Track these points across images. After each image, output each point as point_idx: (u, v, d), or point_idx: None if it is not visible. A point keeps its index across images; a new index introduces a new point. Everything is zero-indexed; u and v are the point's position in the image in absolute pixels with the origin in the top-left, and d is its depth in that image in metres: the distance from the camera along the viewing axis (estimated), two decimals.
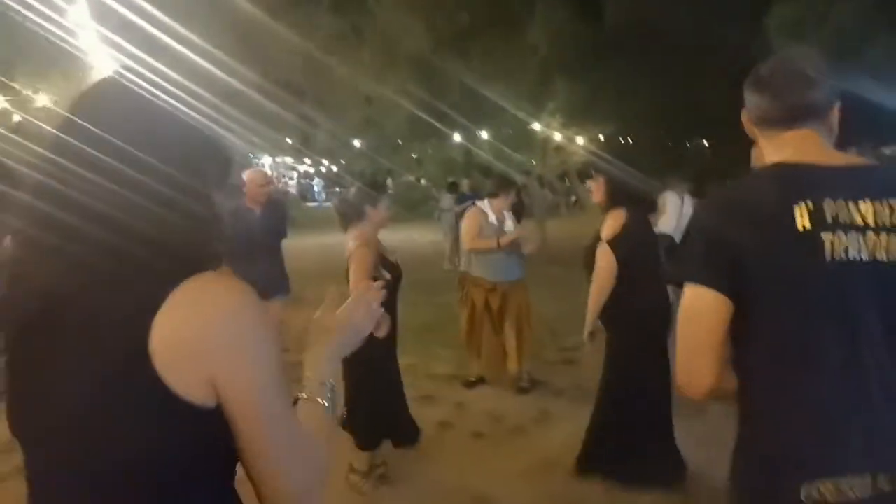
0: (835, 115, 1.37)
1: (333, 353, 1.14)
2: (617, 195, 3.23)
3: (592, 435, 3.38)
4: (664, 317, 3.21)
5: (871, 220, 1.23)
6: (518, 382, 4.81)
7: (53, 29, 8.69)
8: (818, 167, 1.29)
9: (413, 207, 23.83)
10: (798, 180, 1.28)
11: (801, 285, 1.24)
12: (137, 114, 0.97)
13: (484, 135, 19.22)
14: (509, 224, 4.74)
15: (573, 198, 26.66)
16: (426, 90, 14.76)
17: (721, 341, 1.26)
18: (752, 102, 1.40)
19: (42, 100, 12.07)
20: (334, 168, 29.02)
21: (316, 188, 38.00)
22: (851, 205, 1.24)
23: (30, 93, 11.93)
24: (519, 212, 5.31)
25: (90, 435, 0.86)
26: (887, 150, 23.82)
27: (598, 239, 3.21)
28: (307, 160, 30.72)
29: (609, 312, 3.21)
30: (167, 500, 0.90)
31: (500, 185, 4.88)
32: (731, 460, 1.34)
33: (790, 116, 1.34)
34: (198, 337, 0.86)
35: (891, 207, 1.24)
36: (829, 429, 1.23)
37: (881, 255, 1.22)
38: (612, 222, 3.16)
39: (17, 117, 12.36)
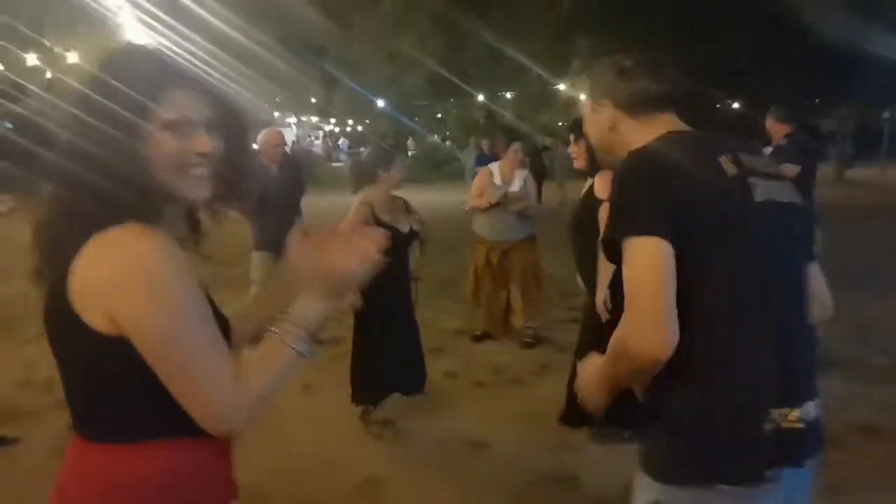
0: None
1: (321, 299, 1.15)
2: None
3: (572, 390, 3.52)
4: None
5: (765, 169, 1.37)
6: (522, 337, 4.98)
7: None
8: (707, 133, 1.44)
9: (436, 167, 23.88)
10: (705, 140, 1.40)
11: (742, 225, 1.29)
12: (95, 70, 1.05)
13: (507, 95, 19.12)
14: (515, 185, 4.84)
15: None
16: (446, 48, 14.70)
17: (673, 293, 1.21)
18: (628, 87, 1.45)
19: (72, 57, 12.31)
20: (359, 128, 29.10)
21: (341, 147, 38.12)
22: (750, 157, 1.37)
23: (60, 50, 12.17)
24: (540, 173, 5.39)
25: (57, 354, 1.11)
26: None
27: (587, 203, 3.17)
28: (332, 120, 30.81)
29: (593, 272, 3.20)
30: (104, 407, 1.10)
31: (504, 144, 4.99)
32: (674, 412, 1.31)
33: (663, 100, 1.46)
34: (99, 279, 1.00)
35: (765, 161, 1.41)
36: (783, 362, 1.29)
37: (779, 198, 1.36)
38: (604, 181, 3.11)
39: (48, 74, 12.64)
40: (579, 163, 3.36)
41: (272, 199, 4.78)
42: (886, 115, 22.62)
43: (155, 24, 10.62)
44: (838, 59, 12.00)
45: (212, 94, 1.12)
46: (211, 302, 1.14)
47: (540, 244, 5.12)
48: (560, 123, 19.81)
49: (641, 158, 1.35)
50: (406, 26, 14.38)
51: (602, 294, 3.11)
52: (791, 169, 4.51)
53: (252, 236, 4.94)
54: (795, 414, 1.29)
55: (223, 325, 1.16)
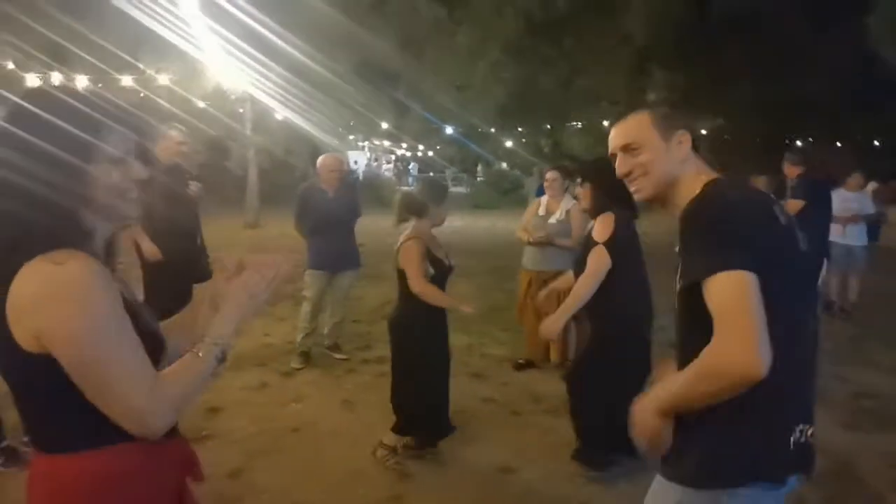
0: None
1: (230, 317, 1.34)
2: (603, 202, 3.33)
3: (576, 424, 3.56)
4: (648, 317, 3.41)
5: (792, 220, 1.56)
6: (564, 367, 4.98)
7: (171, 18, 9.57)
8: (748, 182, 1.62)
9: (503, 194, 24.00)
10: (756, 189, 1.60)
11: (793, 267, 1.46)
12: (30, 110, 1.18)
13: (577, 124, 19.08)
14: (555, 217, 4.89)
15: None
16: (517, 78, 14.84)
17: (764, 322, 1.33)
18: (692, 122, 1.63)
19: (163, 79, 13.22)
20: (430, 153, 29.62)
21: (411, 172, 38.87)
22: (780, 207, 1.54)
23: (152, 72, 13.08)
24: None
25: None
26: None
27: (587, 245, 3.32)
28: (403, 144, 31.50)
29: (601, 311, 3.32)
30: (42, 420, 1.24)
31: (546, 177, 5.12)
32: (715, 421, 1.41)
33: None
34: (26, 299, 1.13)
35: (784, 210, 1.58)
36: (809, 387, 1.52)
37: (804, 247, 1.54)
38: (604, 225, 3.26)
39: (141, 94, 13.60)
40: (584, 203, 3.47)
41: (326, 221, 5.03)
42: None
43: (236, 51, 11.29)
44: None
45: (132, 125, 1.28)
46: (146, 322, 1.29)
47: None
48: None
49: (718, 200, 1.47)
50: (478, 57, 14.63)
51: (562, 323, 3.33)
52: (795, 204, 5.51)
53: (307, 256, 5.18)
54: (811, 430, 1.48)
55: (157, 342, 1.31)
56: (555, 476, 3.43)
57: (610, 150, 1.70)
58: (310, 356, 5.19)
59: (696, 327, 1.40)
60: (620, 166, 1.67)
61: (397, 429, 3.55)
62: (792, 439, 1.43)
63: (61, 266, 1.12)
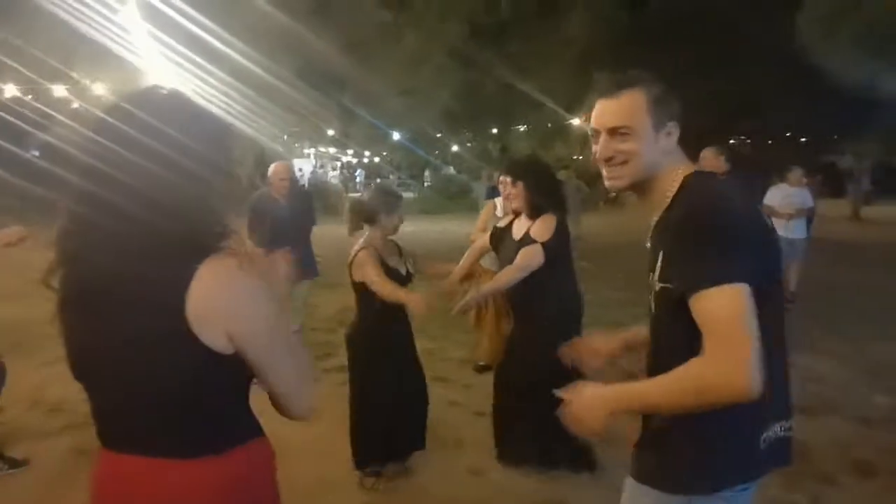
0: None
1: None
2: (538, 202, 3.34)
3: (504, 425, 3.60)
4: (578, 317, 3.47)
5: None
6: None
7: (108, 25, 9.24)
8: (725, 178, 1.64)
9: (451, 199, 24.10)
10: (742, 187, 1.62)
11: (776, 276, 1.48)
12: (172, 112, 1.20)
13: (522, 128, 19.36)
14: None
15: (612, 194, 26.44)
16: (463, 82, 14.97)
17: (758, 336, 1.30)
18: (680, 110, 1.50)
19: (99, 89, 12.73)
20: (376, 159, 29.53)
21: (358, 178, 38.62)
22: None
23: (87, 82, 12.58)
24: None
25: (139, 372, 1.19)
26: None
27: (524, 242, 3.30)
28: (350, 151, 31.31)
29: (533, 316, 3.36)
30: (193, 415, 1.23)
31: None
32: (690, 428, 1.39)
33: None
34: (217, 306, 1.16)
35: None
36: (782, 390, 1.48)
37: None
38: (546, 225, 3.28)
39: (75, 104, 13.06)
40: (516, 204, 3.43)
41: (282, 230, 4.94)
42: None
43: (175, 56, 10.99)
44: (857, 96, 12.10)
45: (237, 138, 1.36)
46: None
47: None
48: (575, 157, 19.98)
49: (722, 206, 1.39)
50: (424, 61, 14.67)
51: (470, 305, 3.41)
52: None
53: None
54: (788, 424, 1.49)
55: None
56: (525, 475, 3.46)
57: (593, 127, 1.55)
58: None
59: (678, 332, 1.37)
60: (602, 150, 1.51)
61: (357, 461, 3.44)
62: (765, 439, 1.43)
63: (243, 272, 1.19)
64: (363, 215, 3.41)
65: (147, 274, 1.15)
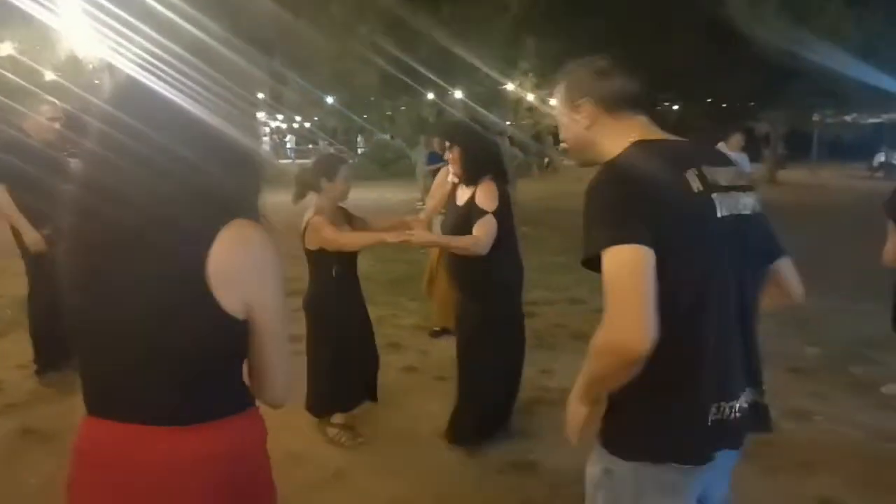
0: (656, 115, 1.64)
1: None
2: (476, 168, 3.23)
3: (463, 406, 3.48)
4: (520, 287, 3.47)
5: (727, 182, 1.48)
6: None
7: None
8: (675, 143, 1.54)
9: (386, 165, 23.84)
10: (676, 152, 1.50)
11: (702, 240, 1.40)
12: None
13: (457, 94, 19.22)
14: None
15: (546, 160, 26.85)
16: (396, 46, 14.67)
17: (653, 294, 1.29)
18: (608, 85, 1.54)
19: (5, 48, 11.82)
20: (307, 125, 28.73)
21: (288, 145, 37.57)
22: (715, 170, 1.48)
23: None
24: None
25: (154, 329, 1.15)
26: (847, 118, 24.40)
27: (467, 212, 3.20)
28: (279, 116, 30.33)
29: (486, 288, 3.27)
30: (199, 380, 1.20)
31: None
32: (637, 398, 1.42)
33: (639, 101, 1.57)
34: (239, 270, 1.15)
35: (731, 172, 1.51)
36: (724, 361, 1.44)
37: (741, 210, 1.47)
38: (489, 193, 3.15)
39: None
40: (455, 170, 3.33)
41: None
42: (816, 117, 23.80)
43: (94, 13, 10.27)
44: (773, 64, 12.61)
45: None
46: None
47: None
48: (507, 123, 20.06)
49: (618, 173, 1.44)
50: (357, 23, 14.29)
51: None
52: None
53: None
54: (735, 405, 1.46)
55: None
56: (494, 437, 3.51)
57: None
58: None
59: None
60: (561, 135, 1.70)
61: (313, 409, 3.54)
62: (710, 418, 1.42)
63: (265, 238, 1.19)
64: (306, 183, 3.39)
65: (169, 229, 1.12)
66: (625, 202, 1.36)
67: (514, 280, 3.39)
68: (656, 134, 1.55)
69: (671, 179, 1.41)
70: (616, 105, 1.55)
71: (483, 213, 3.12)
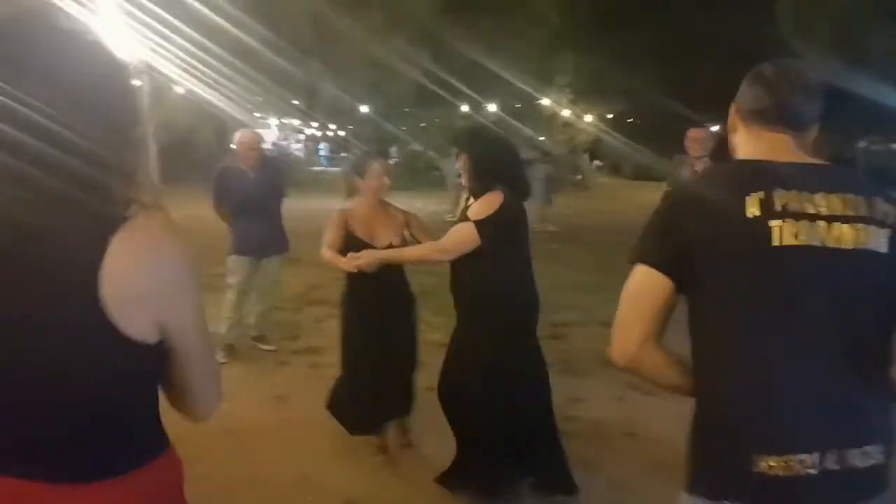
0: (814, 132, 1.45)
1: None
2: (485, 177, 2.87)
3: (463, 452, 3.04)
4: (527, 318, 2.97)
5: (823, 210, 1.27)
6: None
7: None
8: (779, 164, 1.35)
9: (417, 175, 23.77)
10: (756, 174, 1.34)
11: (746, 269, 1.28)
12: (65, 57, 0.93)
13: (492, 107, 19.12)
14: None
15: (579, 176, 26.54)
16: (432, 57, 14.64)
17: (653, 317, 1.33)
18: (747, 94, 1.46)
19: None
20: (341, 133, 28.89)
21: (322, 152, 37.85)
22: (804, 195, 1.28)
23: None
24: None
25: (45, 372, 0.92)
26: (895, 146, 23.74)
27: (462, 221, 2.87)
28: (314, 123, 30.55)
29: (469, 307, 2.91)
30: (104, 428, 0.98)
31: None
32: (690, 436, 1.39)
33: (776, 116, 1.40)
34: (146, 285, 0.93)
35: (843, 200, 1.28)
36: (778, 408, 1.26)
37: (832, 243, 1.25)
38: (488, 202, 2.78)
39: None
40: (465, 180, 2.98)
41: (249, 202, 4.64)
42: (861, 144, 23.15)
43: (134, 15, 10.37)
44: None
45: None
46: None
47: None
48: (541, 138, 19.88)
49: (678, 191, 1.46)
50: (394, 33, 14.27)
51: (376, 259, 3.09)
52: None
53: (230, 240, 4.77)
54: (806, 461, 1.23)
55: None
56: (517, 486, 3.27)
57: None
58: (235, 349, 4.80)
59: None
60: None
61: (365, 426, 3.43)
62: (759, 468, 1.25)
63: (170, 242, 0.97)
64: (348, 184, 3.48)
65: (50, 249, 0.89)
66: (662, 222, 1.39)
67: (512, 305, 2.89)
68: (777, 154, 1.38)
69: (723, 202, 1.31)
70: (750, 116, 1.46)
71: (465, 220, 2.80)
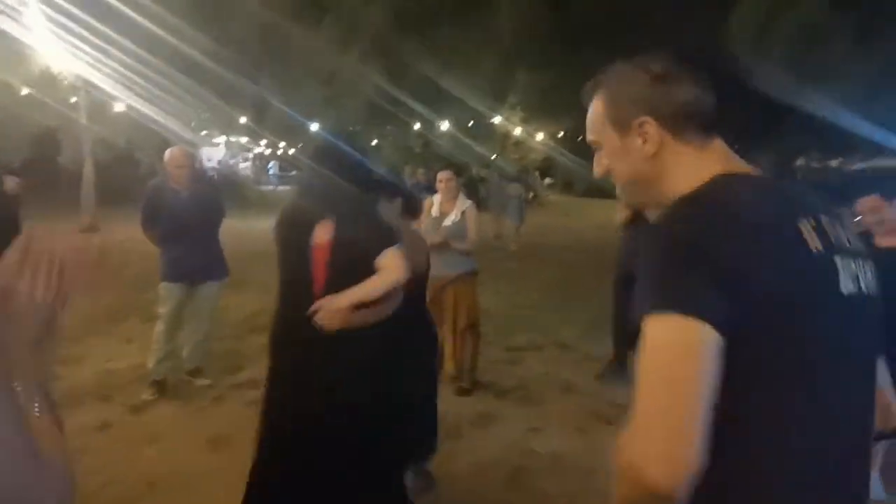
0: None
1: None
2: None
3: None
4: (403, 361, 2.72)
5: (846, 243, 1.02)
6: (459, 383, 4.60)
7: None
8: (773, 181, 1.08)
9: None
10: (781, 192, 1.04)
11: (820, 322, 0.94)
12: None
13: (444, 125, 19.01)
14: (451, 218, 4.50)
15: (531, 194, 26.64)
16: (385, 74, 14.45)
17: (709, 400, 0.86)
18: (671, 98, 1.06)
19: None
20: (291, 151, 28.35)
21: (271, 171, 37.13)
22: (832, 223, 1.01)
23: None
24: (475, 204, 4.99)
25: None
26: (833, 163, 24.66)
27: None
28: (263, 142, 29.92)
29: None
30: None
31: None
32: None
33: (711, 120, 1.08)
34: None
35: (836, 226, 1.02)
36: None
37: (865, 287, 1.01)
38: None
39: None
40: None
41: (181, 224, 4.29)
42: (800, 161, 23.93)
43: (69, 28, 9.85)
44: (768, 102, 12.57)
45: None
46: None
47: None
48: (494, 156, 19.86)
49: (704, 210, 0.98)
50: (346, 49, 14.03)
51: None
52: None
53: (161, 265, 4.39)
54: None
55: None
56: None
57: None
58: (165, 385, 4.39)
59: None
60: (594, 166, 1.21)
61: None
62: None
63: None
64: None
65: None
66: (694, 255, 0.91)
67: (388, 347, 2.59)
68: (740, 166, 1.08)
69: (782, 229, 0.96)
70: (684, 124, 1.07)
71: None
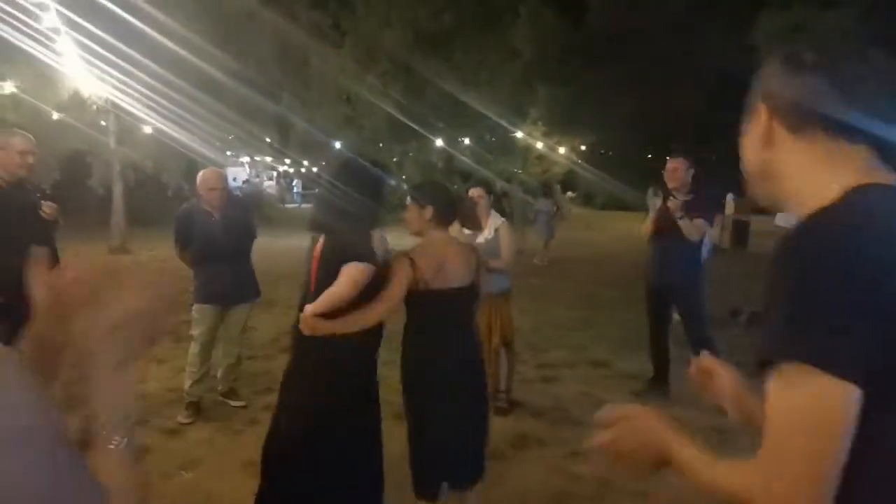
0: None
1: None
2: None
3: None
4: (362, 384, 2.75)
5: None
6: (495, 402, 4.52)
7: (16, 13, 8.26)
8: None
9: (392, 211, 23.50)
10: None
11: None
12: None
13: (466, 141, 19.03)
14: (483, 235, 4.43)
15: (555, 208, 26.53)
16: (406, 91, 14.53)
17: (841, 460, 0.81)
18: (793, 87, 0.95)
19: (7, 87, 11.64)
20: (314, 169, 28.60)
21: (295, 189, 37.48)
22: None
23: None
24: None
25: None
26: None
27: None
28: (287, 160, 30.23)
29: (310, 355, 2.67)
30: None
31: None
32: None
33: (845, 125, 0.93)
34: None
35: None
36: None
37: None
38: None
39: None
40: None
41: (214, 247, 4.29)
42: None
43: (98, 53, 10.03)
44: None
45: None
46: None
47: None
48: (516, 170, 19.81)
49: (846, 241, 0.85)
50: (367, 68, 14.15)
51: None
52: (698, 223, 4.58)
53: (194, 287, 4.40)
54: None
55: None
56: None
57: None
58: (200, 407, 4.39)
59: None
60: None
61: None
62: None
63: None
64: None
65: None
66: (847, 289, 0.80)
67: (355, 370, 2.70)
68: (885, 177, 0.93)
69: None
70: (803, 120, 0.95)
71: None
